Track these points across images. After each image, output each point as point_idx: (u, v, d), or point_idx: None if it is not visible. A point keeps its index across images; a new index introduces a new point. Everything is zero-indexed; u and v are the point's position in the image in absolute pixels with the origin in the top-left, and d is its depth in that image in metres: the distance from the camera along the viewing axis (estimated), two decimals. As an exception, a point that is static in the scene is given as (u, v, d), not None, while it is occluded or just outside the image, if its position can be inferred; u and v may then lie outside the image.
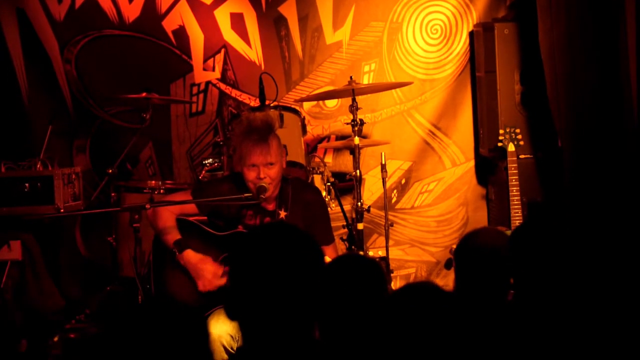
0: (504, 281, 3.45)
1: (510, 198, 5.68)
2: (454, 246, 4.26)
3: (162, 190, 5.83)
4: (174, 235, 4.68)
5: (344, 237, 5.60)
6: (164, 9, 6.62)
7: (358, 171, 5.48)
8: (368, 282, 2.96)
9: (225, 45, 6.67)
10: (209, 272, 4.60)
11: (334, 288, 2.91)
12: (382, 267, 3.19)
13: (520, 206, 5.68)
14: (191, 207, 4.77)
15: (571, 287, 3.00)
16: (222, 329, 4.40)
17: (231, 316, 2.59)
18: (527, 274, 3.06)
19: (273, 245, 2.53)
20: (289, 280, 2.48)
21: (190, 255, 4.63)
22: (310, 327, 2.56)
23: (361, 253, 5.05)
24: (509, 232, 5.58)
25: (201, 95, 6.72)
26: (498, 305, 3.41)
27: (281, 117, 5.47)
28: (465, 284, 3.46)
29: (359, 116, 5.56)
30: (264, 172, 4.62)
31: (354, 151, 5.48)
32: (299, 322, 2.50)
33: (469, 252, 3.48)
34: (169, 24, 6.64)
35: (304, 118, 5.83)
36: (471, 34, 6.67)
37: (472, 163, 6.79)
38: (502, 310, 3.41)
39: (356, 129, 5.51)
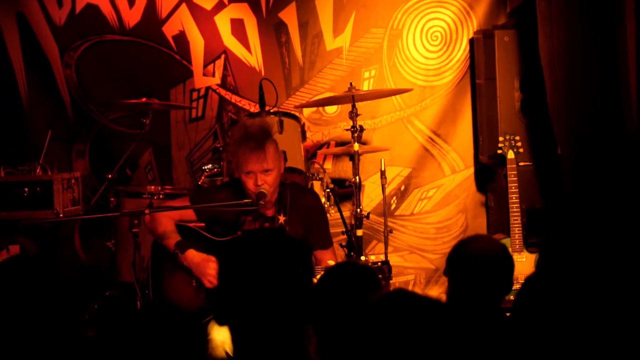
0: (497, 288, 3.44)
1: (510, 205, 5.67)
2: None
3: (161, 196, 5.82)
4: (174, 238, 4.69)
5: (343, 244, 5.58)
6: (164, 14, 6.63)
7: (357, 177, 5.47)
8: (363, 290, 2.95)
9: (226, 51, 6.67)
10: (213, 269, 4.61)
11: (330, 296, 2.91)
12: (377, 276, 3.17)
13: (519, 213, 5.67)
14: (190, 214, 4.77)
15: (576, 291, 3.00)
16: (225, 335, 4.38)
17: (220, 321, 2.60)
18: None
19: (262, 251, 2.52)
20: (278, 286, 2.47)
21: (194, 255, 4.65)
22: (299, 333, 2.55)
23: (363, 258, 5.04)
24: (507, 240, 5.58)
25: (201, 101, 6.72)
26: (491, 312, 3.41)
27: (281, 123, 5.47)
28: (458, 291, 3.45)
29: (359, 122, 5.56)
30: (261, 178, 4.62)
31: (354, 157, 5.47)
32: (287, 327, 2.49)
33: (461, 259, 3.47)
34: (170, 29, 6.64)
35: (304, 124, 5.83)
36: (471, 41, 6.67)
37: (471, 170, 6.80)
38: (495, 317, 3.41)
39: (356, 135, 5.50)
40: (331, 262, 4.54)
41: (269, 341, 2.48)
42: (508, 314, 3.88)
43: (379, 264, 4.92)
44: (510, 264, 3.49)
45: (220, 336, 4.40)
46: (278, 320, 2.47)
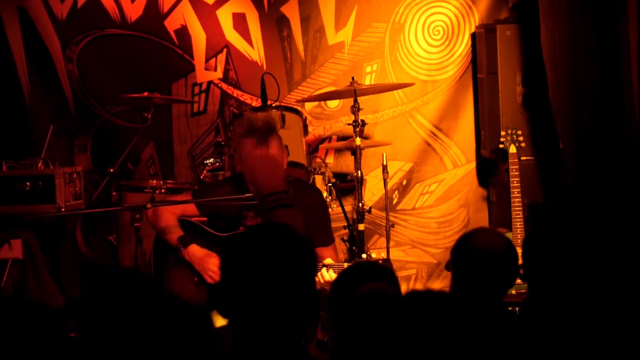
0: (501, 282, 3.44)
1: (512, 200, 5.67)
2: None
3: (163, 190, 5.83)
4: (177, 233, 4.69)
5: (345, 238, 5.60)
6: (166, 8, 6.62)
7: (359, 172, 5.48)
8: (380, 288, 2.95)
9: (227, 45, 6.67)
10: (214, 264, 4.61)
11: (348, 293, 2.92)
12: (395, 276, 3.17)
13: (521, 208, 5.66)
14: (192, 209, 4.77)
15: (577, 290, 3.00)
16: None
17: (222, 314, 2.60)
18: (540, 279, 3.06)
19: (263, 246, 2.52)
20: (279, 280, 2.47)
21: (196, 250, 4.65)
22: (299, 330, 2.55)
23: (364, 256, 5.02)
24: (509, 234, 5.58)
25: (203, 95, 6.72)
26: (495, 306, 3.41)
27: (283, 117, 5.47)
28: (462, 285, 3.45)
29: (361, 117, 5.56)
30: (263, 173, 4.63)
31: (356, 152, 5.48)
32: (288, 323, 2.49)
33: (466, 253, 3.47)
34: (171, 24, 6.64)
35: (306, 118, 5.83)
36: (473, 36, 6.66)
37: (473, 164, 6.79)
38: (499, 312, 3.41)
39: (357, 129, 5.50)
40: (328, 261, 4.53)
41: (269, 336, 2.48)
42: (509, 309, 3.89)
43: (380, 262, 4.91)
44: (515, 258, 3.48)
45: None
46: (278, 316, 2.48)
